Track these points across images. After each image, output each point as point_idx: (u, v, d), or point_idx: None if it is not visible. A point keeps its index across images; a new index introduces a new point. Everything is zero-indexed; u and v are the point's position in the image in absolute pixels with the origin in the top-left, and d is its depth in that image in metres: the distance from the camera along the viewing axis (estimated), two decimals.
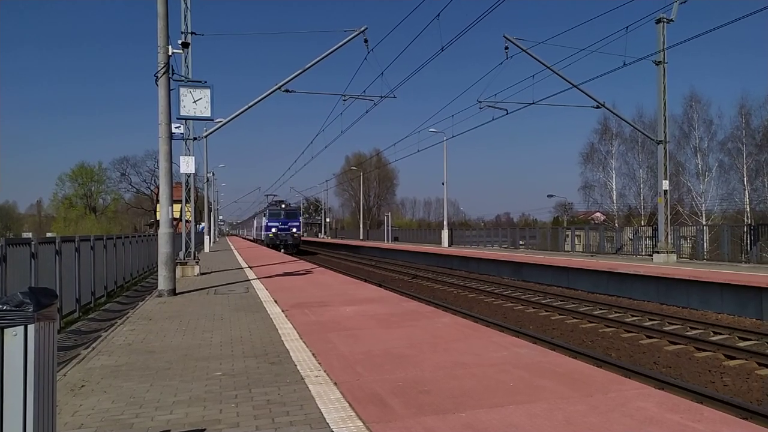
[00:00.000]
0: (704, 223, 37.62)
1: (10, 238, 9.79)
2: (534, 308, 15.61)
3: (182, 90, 14.81)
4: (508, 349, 6.45)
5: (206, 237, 40.82)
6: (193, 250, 22.22)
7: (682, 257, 24.31)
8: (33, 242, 9.96)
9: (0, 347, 2.49)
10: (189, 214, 24.61)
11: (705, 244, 24.30)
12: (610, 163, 49.85)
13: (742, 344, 10.51)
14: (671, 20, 21.53)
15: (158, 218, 14.38)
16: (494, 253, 31.29)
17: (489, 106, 24.71)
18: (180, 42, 17.69)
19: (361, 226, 74.57)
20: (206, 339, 7.59)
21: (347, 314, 9.36)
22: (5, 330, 2.50)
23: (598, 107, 23.85)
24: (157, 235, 14.51)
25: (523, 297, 17.61)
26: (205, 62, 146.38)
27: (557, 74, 21.54)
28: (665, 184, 22.76)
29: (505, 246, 40.50)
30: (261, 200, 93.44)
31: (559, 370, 5.43)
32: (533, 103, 23.82)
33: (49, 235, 57.91)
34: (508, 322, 13.60)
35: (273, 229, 49.09)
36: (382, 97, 21.87)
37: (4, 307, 2.50)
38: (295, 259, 27.32)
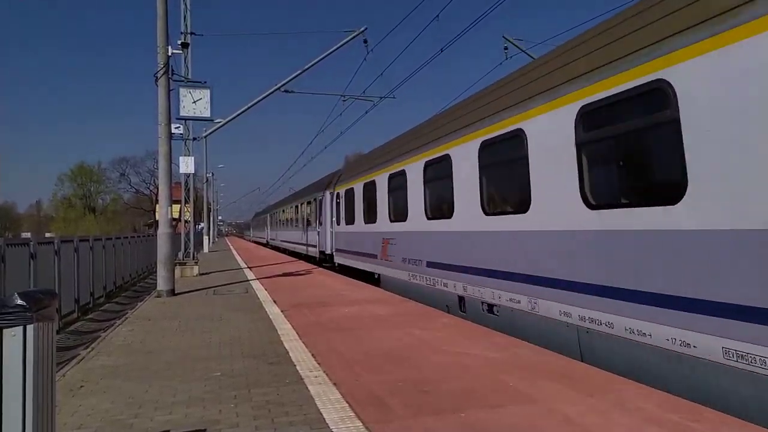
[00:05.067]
0: None
1: (10, 239, 9.78)
2: None
3: (182, 90, 14.87)
4: (507, 349, 6.44)
5: (205, 237, 40.75)
6: (192, 250, 22.26)
7: None
8: (32, 243, 9.95)
9: None
10: (188, 214, 24.65)
11: None
12: None
13: None
14: None
15: (157, 218, 14.37)
16: None
17: None
18: (180, 42, 17.74)
19: None
20: (205, 339, 7.59)
21: (347, 314, 9.35)
22: (4, 330, 2.50)
23: None
24: (156, 235, 14.51)
25: None
26: (205, 62, 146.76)
27: None
28: None
29: None
30: (260, 200, 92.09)
31: (559, 371, 5.43)
32: None
33: (48, 235, 57.84)
34: None
35: None
36: (381, 97, 21.97)
37: (3, 308, 2.50)
38: (294, 260, 27.33)
